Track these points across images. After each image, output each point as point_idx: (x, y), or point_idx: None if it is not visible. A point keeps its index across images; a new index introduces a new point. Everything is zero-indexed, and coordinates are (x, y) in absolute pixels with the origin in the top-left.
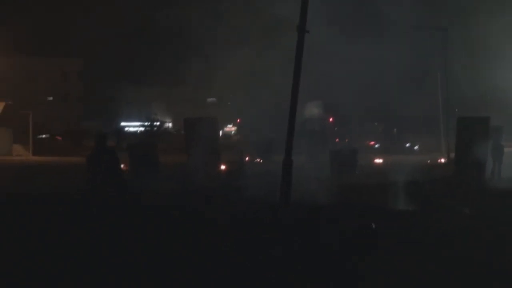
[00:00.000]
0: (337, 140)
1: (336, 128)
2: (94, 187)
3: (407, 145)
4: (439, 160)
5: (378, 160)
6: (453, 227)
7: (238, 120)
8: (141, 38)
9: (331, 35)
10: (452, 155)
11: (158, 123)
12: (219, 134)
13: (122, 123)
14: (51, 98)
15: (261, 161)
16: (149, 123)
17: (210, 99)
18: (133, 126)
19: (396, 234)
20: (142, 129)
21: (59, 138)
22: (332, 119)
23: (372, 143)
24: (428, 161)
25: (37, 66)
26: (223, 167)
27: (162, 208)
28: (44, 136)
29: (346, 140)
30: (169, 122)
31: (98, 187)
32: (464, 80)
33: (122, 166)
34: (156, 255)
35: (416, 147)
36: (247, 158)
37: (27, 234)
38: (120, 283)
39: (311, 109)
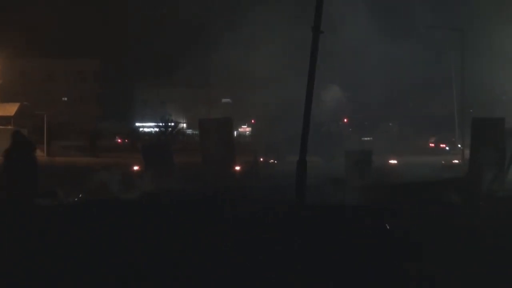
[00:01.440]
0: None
1: (350, 129)
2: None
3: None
4: (453, 161)
5: (393, 161)
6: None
7: (253, 121)
8: (156, 40)
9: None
10: (467, 156)
11: (172, 124)
12: (233, 135)
13: (137, 124)
14: (65, 99)
15: (276, 162)
16: (163, 124)
17: (225, 100)
18: (148, 127)
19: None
20: (156, 129)
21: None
22: (347, 120)
23: (443, 145)
24: (443, 162)
25: (53, 67)
26: (237, 167)
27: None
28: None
29: (361, 140)
30: (184, 123)
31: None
32: (480, 81)
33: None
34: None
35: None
36: (261, 159)
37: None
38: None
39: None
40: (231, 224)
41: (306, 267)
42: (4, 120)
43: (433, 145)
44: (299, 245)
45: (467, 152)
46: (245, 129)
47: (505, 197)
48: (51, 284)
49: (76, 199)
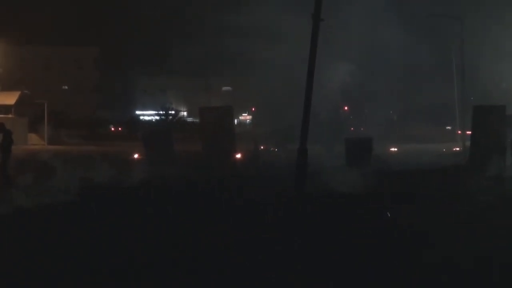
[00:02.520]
0: (352, 129)
1: (351, 117)
2: None
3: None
4: (454, 149)
5: (393, 149)
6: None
7: (253, 109)
8: (156, 27)
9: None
10: (467, 143)
11: (173, 112)
12: (234, 123)
13: (137, 112)
14: (66, 87)
15: (276, 150)
16: (164, 112)
17: (225, 88)
18: (148, 115)
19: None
20: (157, 118)
21: None
22: (347, 108)
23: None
24: (444, 150)
25: (52, 55)
26: (238, 155)
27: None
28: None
29: (362, 128)
30: (185, 111)
31: None
32: (479, 69)
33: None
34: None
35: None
36: (262, 147)
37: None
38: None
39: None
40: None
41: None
42: (4, 108)
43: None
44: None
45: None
46: (246, 117)
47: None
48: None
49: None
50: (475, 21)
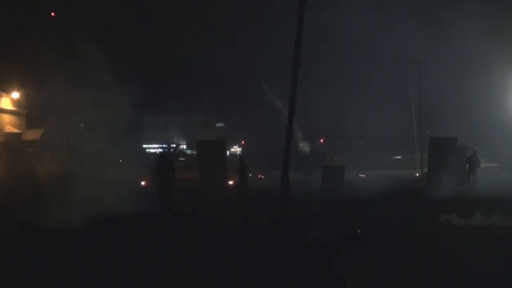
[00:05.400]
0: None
1: (326, 148)
2: None
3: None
4: (415, 174)
5: (362, 175)
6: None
7: (243, 142)
8: (158, 72)
9: (319, 64)
10: (425, 169)
11: (174, 145)
12: (226, 154)
13: (143, 145)
14: (83, 125)
15: (263, 176)
16: (167, 145)
17: (219, 124)
18: (153, 148)
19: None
20: (160, 150)
21: None
22: (323, 140)
23: None
24: (405, 176)
25: (71, 97)
26: (230, 182)
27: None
28: None
29: (335, 158)
30: (184, 144)
31: None
32: (435, 104)
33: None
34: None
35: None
36: (250, 174)
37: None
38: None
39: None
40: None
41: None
42: (31, 143)
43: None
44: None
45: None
46: (236, 149)
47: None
48: None
49: None
50: (431, 63)
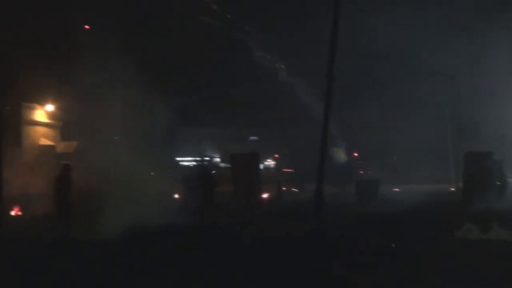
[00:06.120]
0: (361, 172)
1: (360, 162)
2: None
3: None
4: (450, 189)
5: (396, 189)
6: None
7: (276, 155)
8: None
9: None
10: (460, 184)
11: (208, 158)
12: (259, 167)
13: (178, 158)
14: (117, 138)
15: (297, 190)
16: (201, 158)
17: (252, 137)
18: (187, 161)
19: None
20: (194, 163)
21: None
22: (357, 154)
23: None
24: (440, 190)
25: (106, 108)
26: (264, 195)
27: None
28: None
29: (369, 172)
30: (218, 157)
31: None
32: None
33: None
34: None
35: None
36: (284, 188)
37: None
38: None
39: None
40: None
41: None
42: (64, 156)
43: None
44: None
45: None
46: (270, 162)
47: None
48: None
49: None
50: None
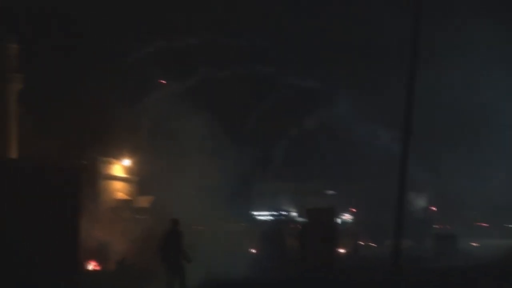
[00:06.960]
0: (440, 226)
1: (438, 215)
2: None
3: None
4: None
5: (475, 244)
6: None
7: (353, 209)
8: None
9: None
10: None
11: (285, 213)
12: (335, 221)
13: (254, 212)
14: (194, 192)
15: (375, 245)
16: (277, 213)
17: (329, 191)
18: (263, 215)
19: None
20: (271, 217)
21: None
22: (435, 208)
23: None
24: None
25: (183, 165)
26: (340, 250)
27: None
28: None
29: (448, 227)
30: (295, 212)
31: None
32: None
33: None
34: None
35: None
36: (361, 242)
37: None
38: None
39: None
40: None
41: None
42: (141, 211)
43: None
44: None
45: None
46: (347, 217)
47: None
48: None
49: None
50: None
